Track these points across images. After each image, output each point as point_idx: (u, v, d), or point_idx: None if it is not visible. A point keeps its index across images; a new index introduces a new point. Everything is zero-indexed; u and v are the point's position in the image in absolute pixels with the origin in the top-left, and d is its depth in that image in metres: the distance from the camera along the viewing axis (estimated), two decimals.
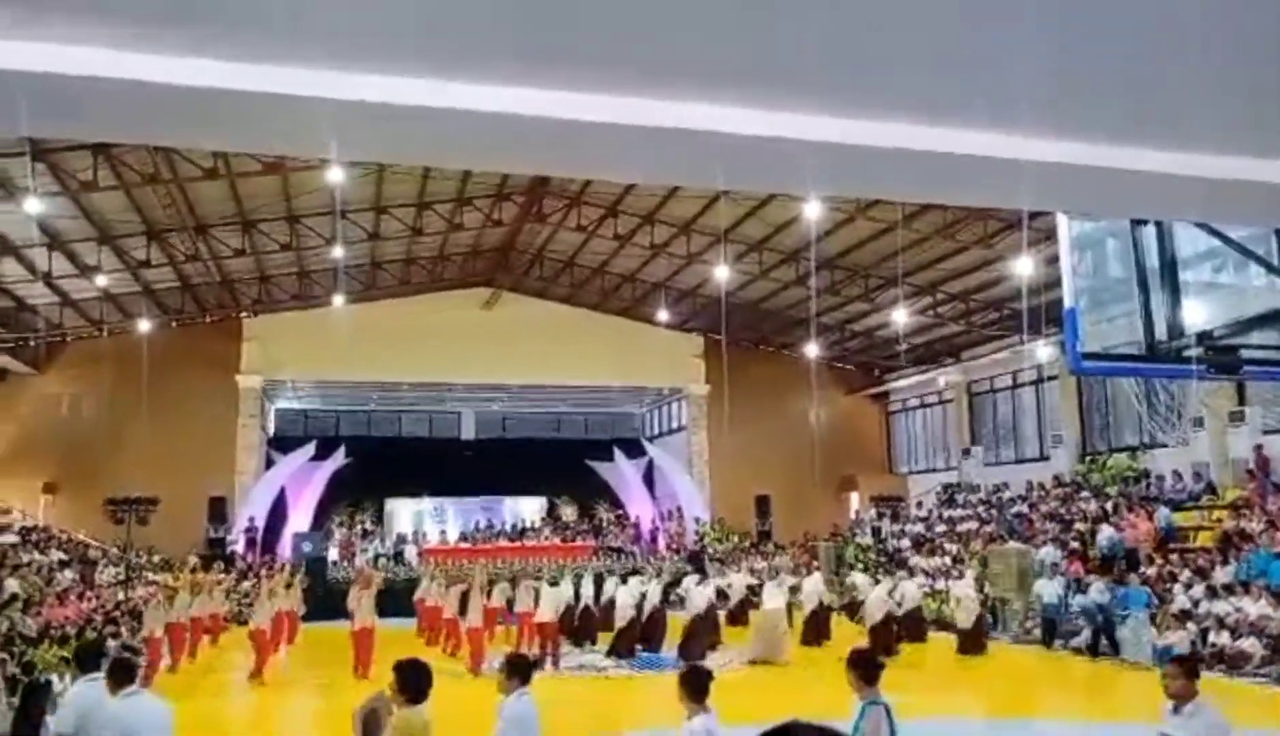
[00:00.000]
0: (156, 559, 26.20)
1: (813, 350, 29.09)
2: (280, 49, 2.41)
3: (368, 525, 33.02)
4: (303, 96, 2.49)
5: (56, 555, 23.16)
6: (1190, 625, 16.28)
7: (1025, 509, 25.29)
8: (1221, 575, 17.35)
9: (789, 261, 24.94)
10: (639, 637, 17.84)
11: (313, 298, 28.02)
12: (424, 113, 2.58)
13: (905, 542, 28.13)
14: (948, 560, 24.94)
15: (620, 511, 34.51)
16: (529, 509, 35.45)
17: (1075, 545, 21.30)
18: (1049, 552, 21.38)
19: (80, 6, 2.23)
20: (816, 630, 19.06)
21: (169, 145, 13.83)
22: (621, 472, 34.33)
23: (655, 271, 27.72)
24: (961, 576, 20.75)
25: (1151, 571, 18.54)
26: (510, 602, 18.92)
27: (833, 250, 23.59)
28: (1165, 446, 22.63)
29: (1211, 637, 15.91)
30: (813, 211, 19.78)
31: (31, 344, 26.33)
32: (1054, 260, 5.48)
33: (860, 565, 25.55)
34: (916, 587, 20.79)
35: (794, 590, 20.12)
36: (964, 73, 2.66)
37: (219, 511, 28.93)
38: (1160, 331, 4.80)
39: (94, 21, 2.27)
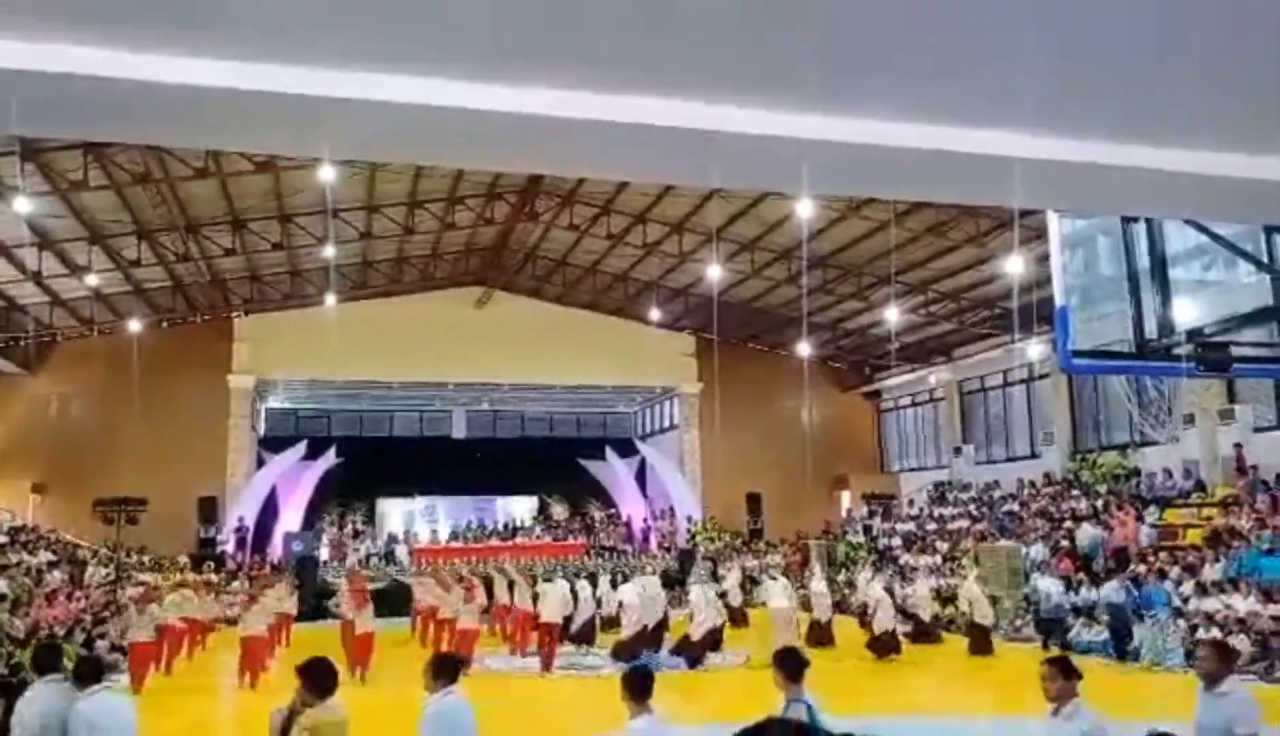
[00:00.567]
0: (147, 559, 26.11)
1: (804, 349, 29.13)
2: (279, 49, 2.41)
3: (359, 525, 32.92)
4: (302, 96, 2.50)
5: (45, 555, 23.05)
6: (1181, 622, 16.35)
7: (1016, 507, 25.37)
8: (1211, 572, 17.43)
9: (781, 260, 24.97)
10: (648, 640, 17.32)
11: (304, 297, 27.94)
12: (424, 111, 2.59)
13: (896, 541, 28.19)
14: (938, 558, 25.00)
15: (612, 510, 34.51)
16: (521, 508, 35.41)
17: (1066, 543, 21.38)
18: (1038, 550, 21.45)
19: (80, 7, 2.24)
20: (821, 632, 18.75)
21: (168, 145, 13.79)
22: (613, 471, 34.34)
23: (647, 270, 27.72)
24: (965, 576, 20.56)
25: (1141, 568, 18.60)
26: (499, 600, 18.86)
27: (824, 249, 23.62)
28: (1156, 444, 22.71)
29: (1201, 634, 15.98)
30: (805, 210, 19.76)
31: (21, 344, 26.20)
32: (1045, 258, 5.51)
33: (862, 566, 25.20)
34: (927, 589, 20.55)
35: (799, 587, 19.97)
36: (958, 72, 2.68)
37: (209, 511, 28.83)
38: (1151, 329, 4.83)
39: (94, 22, 2.27)
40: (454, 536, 31.96)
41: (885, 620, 17.67)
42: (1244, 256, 4.80)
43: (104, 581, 22.96)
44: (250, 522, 29.48)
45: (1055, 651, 17.39)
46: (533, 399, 36.26)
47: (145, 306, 26.50)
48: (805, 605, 19.63)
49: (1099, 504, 22.39)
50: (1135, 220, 4.81)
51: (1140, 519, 20.67)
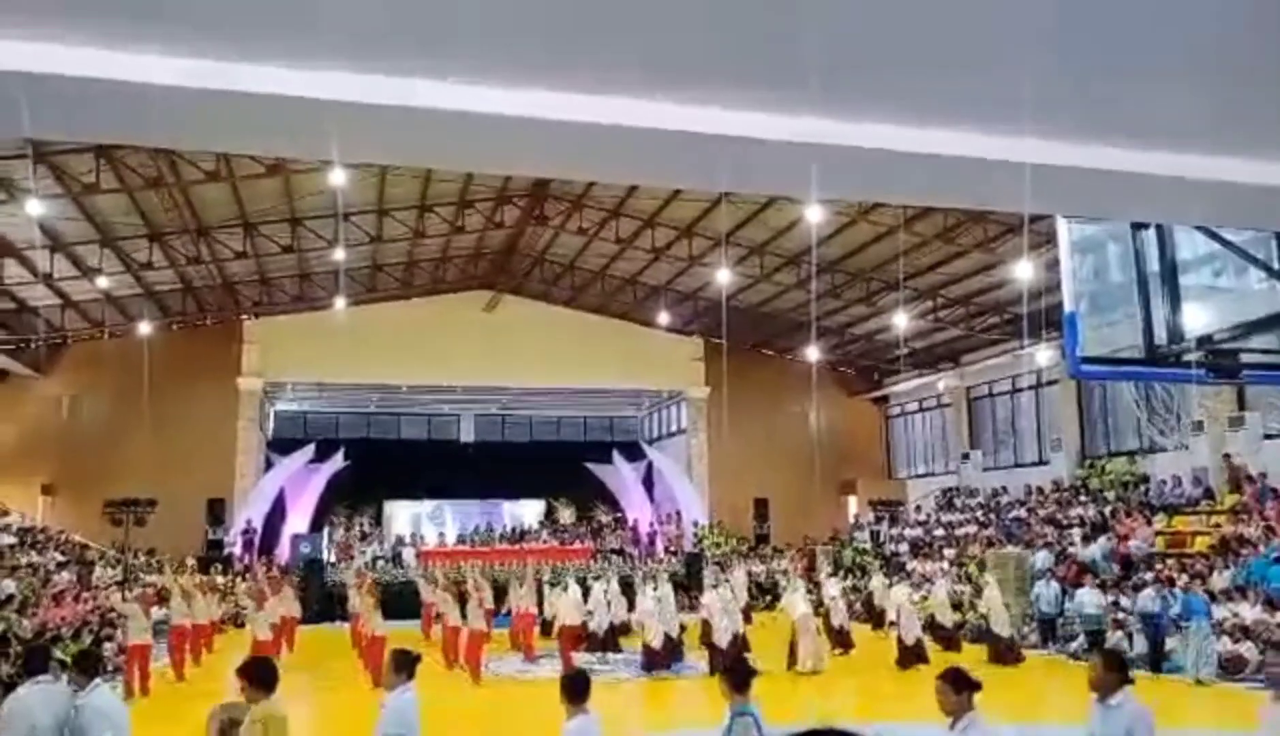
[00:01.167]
0: (155, 560, 26.18)
1: (813, 353, 29.11)
2: (281, 50, 2.42)
3: (366, 527, 32.99)
4: (305, 98, 2.50)
5: (54, 556, 23.15)
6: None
7: (1023, 513, 25.28)
8: (1219, 580, 17.34)
9: (790, 265, 24.95)
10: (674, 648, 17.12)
11: (314, 300, 28.02)
12: (429, 114, 2.59)
13: (904, 547, 28.12)
14: (945, 564, 24.90)
15: (619, 514, 34.49)
16: (528, 512, 35.43)
17: (1072, 550, 21.29)
18: (1045, 557, 21.36)
19: (81, 7, 2.24)
20: (838, 637, 18.55)
21: (170, 147, 13.81)
22: (620, 475, 34.34)
23: (656, 274, 27.73)
24: (986, 583, 20.27)
25: (1149, 576, 18.51)
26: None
27: (833, 254, 23.60)
28: (1164, 450, 22.62)
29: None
30: (814, 215, 19.76)
31: (32, 346, 26.32)
32: (1054, 264, 5.48)
33: (872, 572, 25.04)
34: (945, 594, 20.21)
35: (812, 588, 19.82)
36: (968, 76, 2.67)
37: (217, 513, 28.95)
38: (1160, 335, 4.79)
39: (94, 22, 2.28)
40: (461, 540, 32.00)
41: (914, 629, 17.39)
42: (1255, 263, 4.77)
43: (112, 582, 23.01)
44: (258, 524, 29.56)
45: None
46: (540, 403, 36.28)
47: (155, 309, 26.61)
48: (815, 610, 19.52)
49: (1107, 511, 22.29)
50: (1145, 226, 4.79)
51: (1150, 525, 20.58)
